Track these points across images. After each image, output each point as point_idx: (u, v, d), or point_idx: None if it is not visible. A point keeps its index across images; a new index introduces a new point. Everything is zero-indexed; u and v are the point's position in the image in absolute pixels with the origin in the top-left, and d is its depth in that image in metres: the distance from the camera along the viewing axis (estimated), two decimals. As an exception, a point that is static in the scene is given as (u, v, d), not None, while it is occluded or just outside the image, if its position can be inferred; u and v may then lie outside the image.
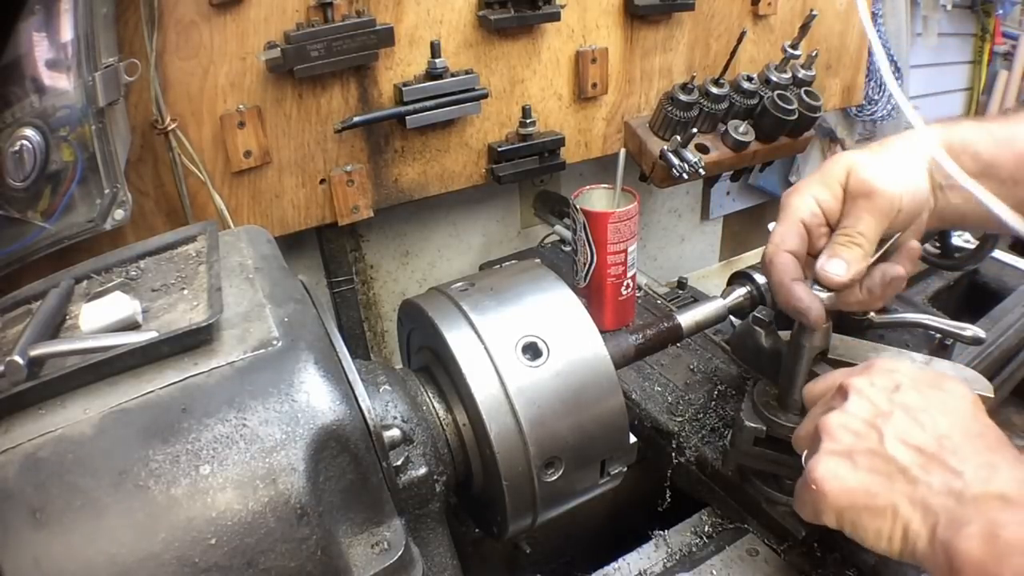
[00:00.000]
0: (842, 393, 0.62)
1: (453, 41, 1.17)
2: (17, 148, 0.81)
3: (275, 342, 0.54)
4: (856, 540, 0.57)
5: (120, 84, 0.88)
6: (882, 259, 0.67)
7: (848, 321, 0.93)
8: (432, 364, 0.70)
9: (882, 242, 0.67)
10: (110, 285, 0.61)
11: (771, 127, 1.37)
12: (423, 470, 0.62)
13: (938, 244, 1.05)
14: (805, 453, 0.64)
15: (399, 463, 0.59)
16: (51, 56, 0.81)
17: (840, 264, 0.65)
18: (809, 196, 0.68)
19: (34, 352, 0.50)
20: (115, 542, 0.44)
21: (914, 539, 0.53)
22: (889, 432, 0.56)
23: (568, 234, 1.28)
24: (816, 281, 0.67)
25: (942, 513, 0.51)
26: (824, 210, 0.67)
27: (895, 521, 0.54)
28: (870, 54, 1.72)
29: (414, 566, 0.56)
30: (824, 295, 0.67)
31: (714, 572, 0.78)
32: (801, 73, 1.40)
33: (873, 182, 0.65)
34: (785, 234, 0.68)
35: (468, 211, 1.48)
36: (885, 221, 0.65)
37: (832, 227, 0.68)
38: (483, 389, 0.62)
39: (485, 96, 1.18)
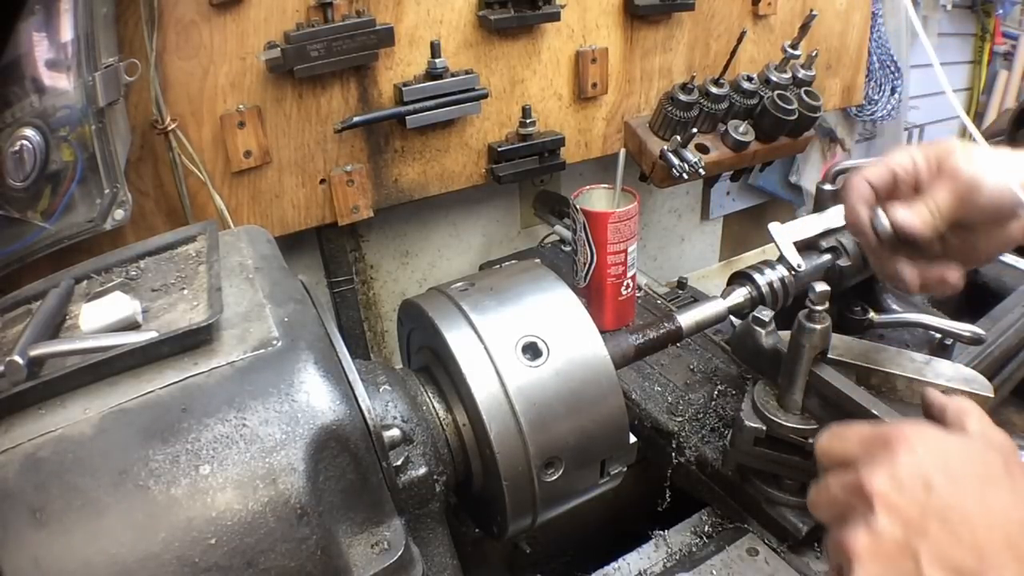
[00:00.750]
0: (865, 502, 0.53)
1: (453, 41, 1.17)
2: (17, 148, 0.81)
3: (275, 342, 0.54)
4: None
5: (120, 84, 0.88)
6: None
7: (848, 321, 0.93)
8: (432, 364, 0.70)
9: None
10: (110, 285, 0.61)
11: (771, 127, 1.37)
12: (423, 470, 0.62)
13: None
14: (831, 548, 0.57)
15: (399, 463, 0.59)
16: (51, 56, 0.81)
17: (908, 212, 0.68)
18: (908, 154, 0.71)
19: (34, 352, 0.50)
20: (115, 542, 0.44)
21: None
22: (925, 555, 0.50)
23: (568, 234, 1.28)
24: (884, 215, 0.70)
25: None
26: (917, 170, 0.70)
27: None
28: (870, 54, 1.72)
29: (414, 566, 0.56)
30: (886, 223, 0.70)
31: (714, 572, 0.78)
32: (801, 73, 1.40)
33: (958, 162, 0.67)
34: (872, 170, 0.72)
35: (468, 211, 1.48)
36: (961, 203, 0.67)
37: (917, 190, 0.71)
38: (483, 389, 0.62)
39: (485, 96, 1.18)
